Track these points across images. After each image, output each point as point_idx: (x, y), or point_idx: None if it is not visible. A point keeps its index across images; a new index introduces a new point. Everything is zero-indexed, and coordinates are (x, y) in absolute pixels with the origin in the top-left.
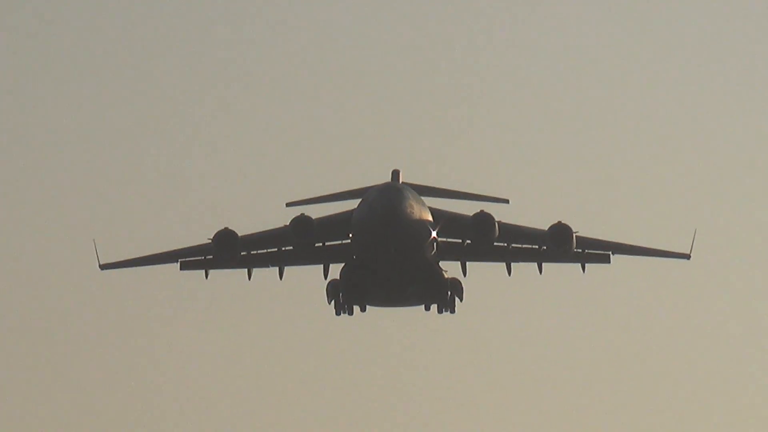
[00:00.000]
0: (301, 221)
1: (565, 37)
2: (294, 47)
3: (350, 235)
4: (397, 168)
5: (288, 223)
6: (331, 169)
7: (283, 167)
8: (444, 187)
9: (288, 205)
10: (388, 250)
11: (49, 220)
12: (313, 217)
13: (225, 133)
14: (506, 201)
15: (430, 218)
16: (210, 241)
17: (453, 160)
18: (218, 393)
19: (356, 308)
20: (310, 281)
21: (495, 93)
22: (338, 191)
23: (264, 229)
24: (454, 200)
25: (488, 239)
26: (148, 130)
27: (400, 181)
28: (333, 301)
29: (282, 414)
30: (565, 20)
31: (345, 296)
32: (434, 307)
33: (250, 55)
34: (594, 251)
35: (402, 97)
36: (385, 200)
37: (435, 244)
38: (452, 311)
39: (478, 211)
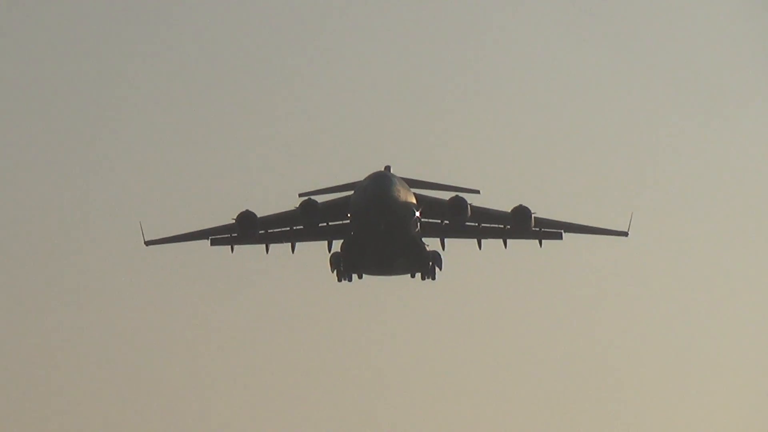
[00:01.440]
0: (308, 204)
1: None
2: (308, 56)
3: (348, 216)
4: (389, 164)
5: (297, 207)
6: (336, 165)
7: (296, 164)
8: (427, 180)
9: (300, 195)
10: (379, 227)
11: (103, 205)
12: (318, 201)
13: (253, 138)
14: (477, 191)
15: (414, 201)
16: (233, 221)
17: (435, 158)
18: (239, 342)
19: (355, 277)
20: (316, 254)
21: (470, 102)
22: (341, 183)
23: (278, 212)
24: (435, 191)
25: (462, 219)
26: (189, 135)
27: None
28: (335, 271)
29: (292, 363)
30: (536, 24)
31: (345, 266)
32: (418, 275)
33: (272, 70)
34: (549, 230)
35: (394, 106)
36: (376, 185)
37: (418, 223)
38: (433, 278)
39: (454, 195)
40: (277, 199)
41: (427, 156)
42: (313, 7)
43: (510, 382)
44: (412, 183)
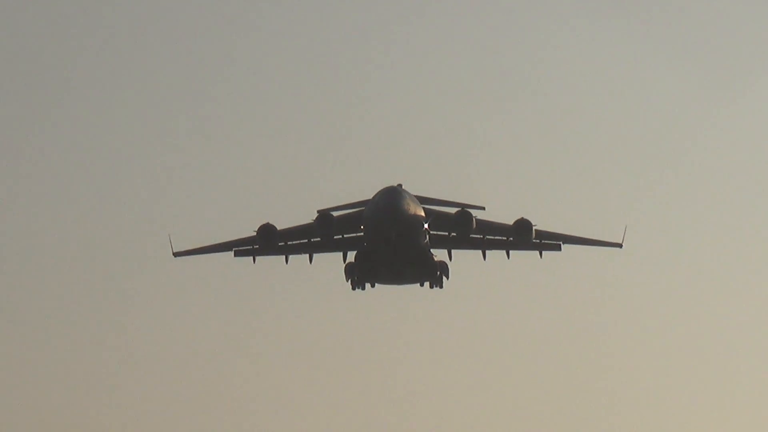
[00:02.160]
0: (324, 217)
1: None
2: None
3: (362, 228)
4: (401, 182)
5: (315, 220)
6: (352, 183)
7: (315, 182)
8: (436, 197)
9: (318, 211)
10: (391, 238)
11: (134, 217)
12: (334, 215)
13: (276, 157)
14: (483, 208)
15: (423, 215)
16: (255, 233)
17: (444, 177)
18: (260, 347)
19: (368, 285)
20: (332, 265)
21: (476, 125)
22: (356, 200)
23: (297, 225)
24: (443, 207)
25: (467, 231)
26: (216, 153)
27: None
28: (350, 280)
29: (309, 366)
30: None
31: (359, 276)
32: (427, 284)
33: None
34: (548, 241)
35: (407, 129)
36: (387, 199)
37: (427, 235)
38: (441, 287)
39: (460, 209)
40: (296, 214)
41: (437, 174)
42: (334, 28)
43: (514, 383)
44: (423, 200)
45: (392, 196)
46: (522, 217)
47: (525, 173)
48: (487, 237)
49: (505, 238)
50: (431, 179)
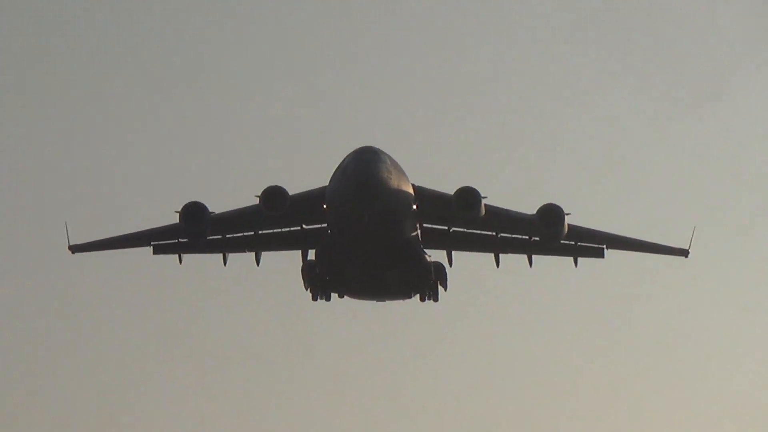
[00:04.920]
0: (273, 193)
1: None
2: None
3: (324, 207)
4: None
5: (260, 195)
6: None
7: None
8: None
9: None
10: (363, 220)
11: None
12: (289, 193)
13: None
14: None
15: (411, 191)
16: (178, 215)
17: (442, 162)
18: (194, 380)
19: (335, 296)
20: (288, 266)
21: (479, 98)
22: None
23: (236, 208)
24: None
25: (473, 215)
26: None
27: None
28: (309, 286)
29: (253, 402)
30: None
31: (320, 279)
32: (415, 297)
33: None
34: (587, 244)
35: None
36: (359, 163)
37: (417, 225)
38: (435, 300)
39: (463, 186)
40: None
41: (434, 161)
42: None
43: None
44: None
45: (365, 159)
46: (550, 203)
47: (554, 151)
48: (502, 235)
49: (527, 238)
50: (427, 166)
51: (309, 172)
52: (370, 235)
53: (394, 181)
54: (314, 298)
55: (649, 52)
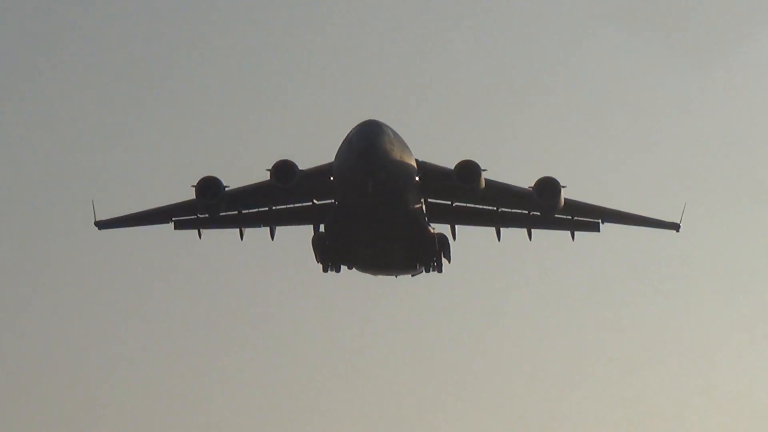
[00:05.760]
0: (283, 167)
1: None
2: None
3: (331, 179)
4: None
5: (271, 168)
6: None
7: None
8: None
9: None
10: (367, 189)
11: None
12: (299, 168)
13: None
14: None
15: (414, 164)
16: (194, 189)
17: (445, 139)
18: (204, 349)
19: (344, 268)
20: (301, 241)
21: (479, 77)
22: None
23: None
24: None
25: (473, 188)
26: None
27: None
28: (319, 257)
29: (267, 372)
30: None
31: (330, 250)
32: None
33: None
34: (583, 219)
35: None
36: (362, 135)
37: (421, 199)
38: (439, 270)
39: (462, 161)
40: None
41: (436, 140)
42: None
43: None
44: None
45: (369, 130)
46: (547, 176)
47: (553, 129)
48: (503, 209)
49: (526, 212)
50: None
51: (319, 149)
52: (375, 205)
53: (397, 152)
54: (325, 270)
55: (655, 18)
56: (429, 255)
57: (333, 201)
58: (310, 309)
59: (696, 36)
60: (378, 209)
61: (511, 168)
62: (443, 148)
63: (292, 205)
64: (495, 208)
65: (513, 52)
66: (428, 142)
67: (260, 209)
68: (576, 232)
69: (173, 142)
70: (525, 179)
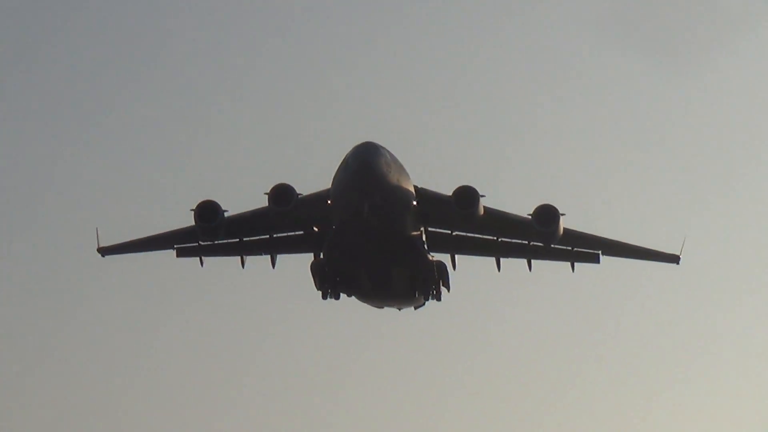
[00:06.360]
0: (280, 190)
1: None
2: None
3: (329, 202)
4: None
5: (268, 192)
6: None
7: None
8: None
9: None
10: (363, 212)
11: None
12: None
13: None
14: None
15: (412, 189)
16: (193, 213)
17: (442, 166)
18: (204, 373)
19: (343, 295)
20: (302, 269)
21: (477, 102)
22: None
23: (249, 210)
24: None
25: (471, 213)
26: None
27: None
28: (318, 284)
29: (263, 397)
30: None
31: (328, 276)
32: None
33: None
34: (583, 250)
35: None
36: (359, 157)
37: (420, 226)
38: (438, 299)
39: (460, 186)
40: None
41: (433, 170)
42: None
43: None
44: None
45: (365, 152)
46: (545, 203)
47: (549, 156)
48: (502, 239)
49: (526, 243)
50: (428, 175)
51: (317, 176)
52: (371, 228)
53: (394, 174)
54: (324, 297)
55: (664, 43)
56: (428, 282)
57: (332, 226)
58: (308, 336)
59: (704, 62)
60: (375, 232)
61: (510, 196)
62: (441, 175)
63: (292, 233)
64: (495, 238)
65: (511, 80)
66: (426, 170)
67: (261, 237)
68: (576, 264)
69: (175, 166)
70: (524, 207)
